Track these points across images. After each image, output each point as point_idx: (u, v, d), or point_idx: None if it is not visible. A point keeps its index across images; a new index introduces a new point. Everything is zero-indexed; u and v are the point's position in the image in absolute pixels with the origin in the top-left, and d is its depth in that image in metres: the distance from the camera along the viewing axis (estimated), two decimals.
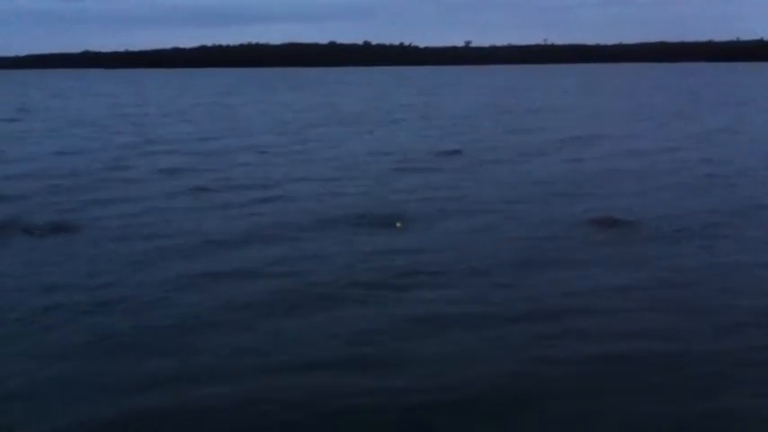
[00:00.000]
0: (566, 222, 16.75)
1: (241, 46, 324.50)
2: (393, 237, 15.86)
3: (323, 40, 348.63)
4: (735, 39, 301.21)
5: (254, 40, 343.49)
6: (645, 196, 19.97)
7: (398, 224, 17.28)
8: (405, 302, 11.56)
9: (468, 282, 12.53)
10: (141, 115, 54.09)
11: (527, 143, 32.95)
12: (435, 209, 18.59)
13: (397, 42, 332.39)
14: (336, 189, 21.68)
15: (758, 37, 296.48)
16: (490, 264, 13.47)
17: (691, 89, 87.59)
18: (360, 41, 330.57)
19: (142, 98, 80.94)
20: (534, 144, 32.51)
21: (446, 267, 13.26)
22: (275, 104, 67.74)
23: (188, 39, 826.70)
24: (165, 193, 21.14)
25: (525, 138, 35.26)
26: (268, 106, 65.11)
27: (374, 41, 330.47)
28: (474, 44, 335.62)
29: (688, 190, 20.91)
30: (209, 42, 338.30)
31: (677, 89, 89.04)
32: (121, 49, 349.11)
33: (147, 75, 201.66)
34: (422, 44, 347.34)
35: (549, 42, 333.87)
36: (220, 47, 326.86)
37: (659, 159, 27.30)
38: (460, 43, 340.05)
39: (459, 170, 25.26)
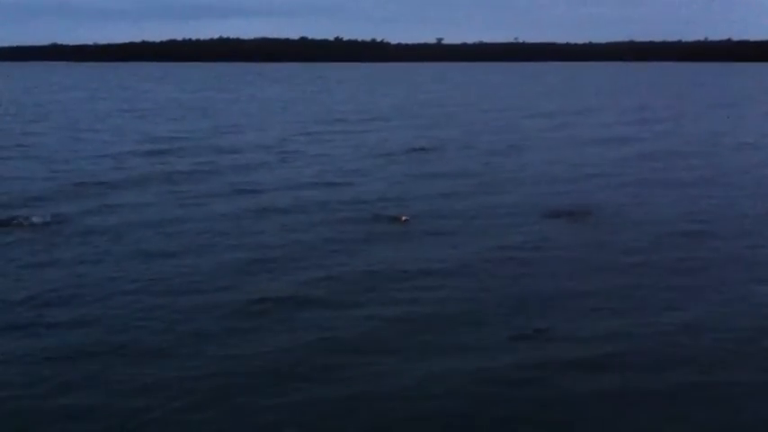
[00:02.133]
0: None
1: (211, 40, 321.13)
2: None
3: (294, 35, 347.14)
4: (703, 39, 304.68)
5: (224, 35, 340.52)
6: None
7: (404, 218, 17.24)
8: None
9: None
10: (131, 111, 52.88)
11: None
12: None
13: (368, 38, 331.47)
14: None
15: (726, 37, 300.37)
16: None
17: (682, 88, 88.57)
18: (331, 37, 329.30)
19: (125, 93, 79.49)
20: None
21: None
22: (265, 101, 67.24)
23: (157, 32, 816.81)
24: (195, 200, 20.08)
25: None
26: (258, 103, 64.65)
27: (345, 37, 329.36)
28: (445, 41, 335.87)
29: None
30: (178, 36, 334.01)
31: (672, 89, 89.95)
32: (90, 42, 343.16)
33: (117, 68, 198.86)
34: (393, 41, 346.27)
35: (519, 40, 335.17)
36: (190, 41, 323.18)
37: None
38: (432, 40, 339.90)
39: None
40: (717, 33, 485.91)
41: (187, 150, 30.35)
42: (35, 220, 17.10)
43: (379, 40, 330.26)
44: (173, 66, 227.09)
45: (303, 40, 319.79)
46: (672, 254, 14.68)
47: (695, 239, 15.90)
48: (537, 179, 23.66)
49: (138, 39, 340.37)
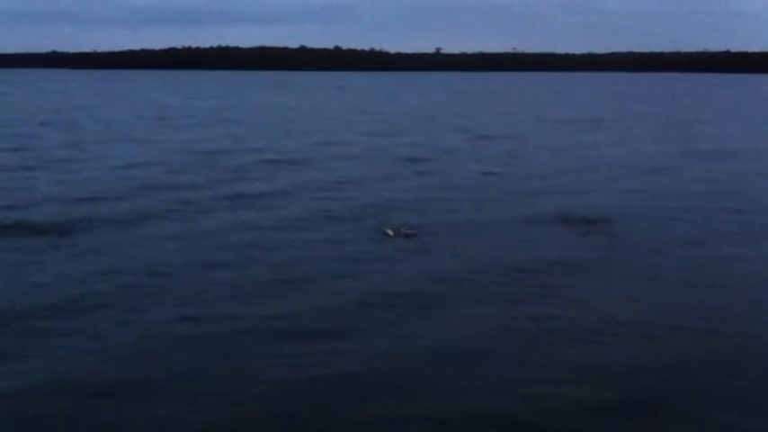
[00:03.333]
0: None
1: (210, 48, 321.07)
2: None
3: (293, 44, 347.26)
4: (702, 50, 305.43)
5: (223, 43, 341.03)
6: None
7: (390, 231, 16.67)
8: None
9: None
10: (161, 119, 52.30)
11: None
12: None
13: (367, 48, 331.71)
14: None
15: (725, 49, 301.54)
16: None
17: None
18: (330, 46, 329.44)
19: (139, 101, 78.94)
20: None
21: None
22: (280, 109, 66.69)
23: (156, 40, 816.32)
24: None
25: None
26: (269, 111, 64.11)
27: (344, 46, 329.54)
28: (444, 51, 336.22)
29: None
30: (177, 44, 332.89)
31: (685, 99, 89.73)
32: (89, 49, 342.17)
33: (119, 75, 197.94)
34: (392, 50, 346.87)
35: (518, 50, 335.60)
36: (189, 49, 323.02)
37: None
38: (431, 49, 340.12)
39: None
40: (715, 45, 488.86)
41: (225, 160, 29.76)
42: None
43: (378, 49, 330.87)
44: (172, 73, 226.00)
45: (302, 48, 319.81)
46: None
47: None
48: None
49: (137, 46, 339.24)
